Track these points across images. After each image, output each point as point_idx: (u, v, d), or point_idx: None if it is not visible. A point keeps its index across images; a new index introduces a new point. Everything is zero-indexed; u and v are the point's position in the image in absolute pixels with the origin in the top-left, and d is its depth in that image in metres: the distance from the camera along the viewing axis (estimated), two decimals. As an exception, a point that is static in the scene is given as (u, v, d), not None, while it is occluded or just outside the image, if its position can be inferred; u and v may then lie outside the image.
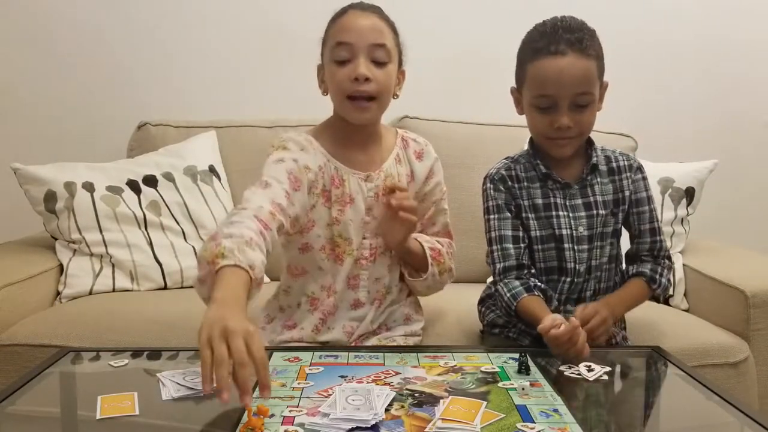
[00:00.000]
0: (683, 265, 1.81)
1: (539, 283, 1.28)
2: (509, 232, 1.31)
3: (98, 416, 0.90)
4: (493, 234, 1.32)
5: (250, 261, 0.98)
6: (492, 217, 1.32)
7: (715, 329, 1.56)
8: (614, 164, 1.33)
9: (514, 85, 1.33)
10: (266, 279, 1.08)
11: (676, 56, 2.32)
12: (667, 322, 1.56)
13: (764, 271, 1.66)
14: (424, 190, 1.37)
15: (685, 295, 1.79)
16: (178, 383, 0.99)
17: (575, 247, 1.30)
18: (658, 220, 1.34)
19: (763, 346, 1.54)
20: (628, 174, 1.33)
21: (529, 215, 1.31)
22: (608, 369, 1.08)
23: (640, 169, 1.34)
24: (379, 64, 1.24)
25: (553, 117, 1.24)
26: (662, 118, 2.32)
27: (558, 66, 1.21)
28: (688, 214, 1.86)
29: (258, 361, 0.84)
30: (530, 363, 1.07)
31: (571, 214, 1.30)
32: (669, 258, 1.35)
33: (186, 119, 2.13)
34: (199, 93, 2.25)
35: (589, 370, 1.07)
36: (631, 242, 1.36)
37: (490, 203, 1.33)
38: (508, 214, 1.31)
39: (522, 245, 1.30)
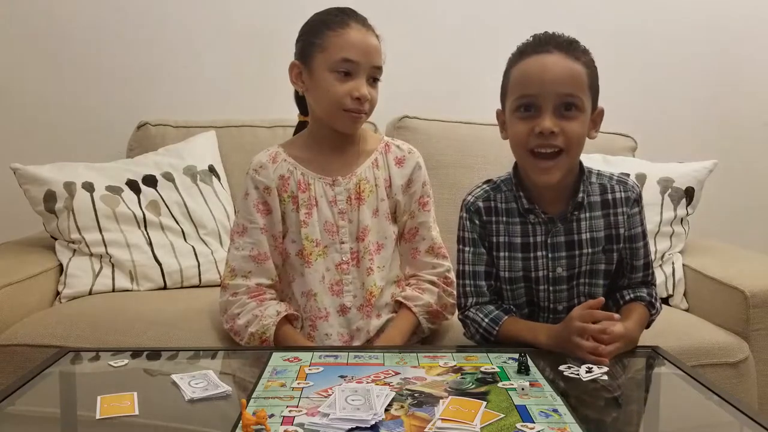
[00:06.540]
0: (683, 265, 1.81)
1: (512, 307, 1.25)
2: (482, 268, 1.25)
3: (98, 416, 0.91)
4: (466, 268, 1.25)
5: (272, 314, 1.27)
6: (466, 249, 1.25)
7: (715, 329, 1.56)
8: (609, 196, 1.23)
9: (500, 108, 1.24)
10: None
11: (676, 56, 2.32)
12: (666, 322, 1.55)
13: (764, 271, 1.66)
14: (402, 197, 1.38)
15: (684, 294, 1.79)
16: (191, 386, 0.99)
17: (551, 288, 1.23)
18: (650, 254, 1.27)
19: (762, 346, 1.54)
20: (625, 209, 1.22)
21: (502, 253, 1.23)
22: (607, 369, 1.08)
23: (637, 201, 1.24)
24: (375, 81, 1.31)
25: (536, 122, 1.13)
26: (662, 118, 2.32)
27: (542, 63, 1.13)
28: (687, 214, 1.86)
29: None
30: (530, 363, 1.07)
31: (550, 254, 1.22)
32: (655, 284, 1.30)
33: (186, 119, 2.13)
34: (199, 93, 2.25)
35: (588, 370, 1.07)
36: (623, 274, 1.28)
37: (466, 235, 1.25)
38: (483, 250, 1.24)
39: (494, 282, 1.25)
